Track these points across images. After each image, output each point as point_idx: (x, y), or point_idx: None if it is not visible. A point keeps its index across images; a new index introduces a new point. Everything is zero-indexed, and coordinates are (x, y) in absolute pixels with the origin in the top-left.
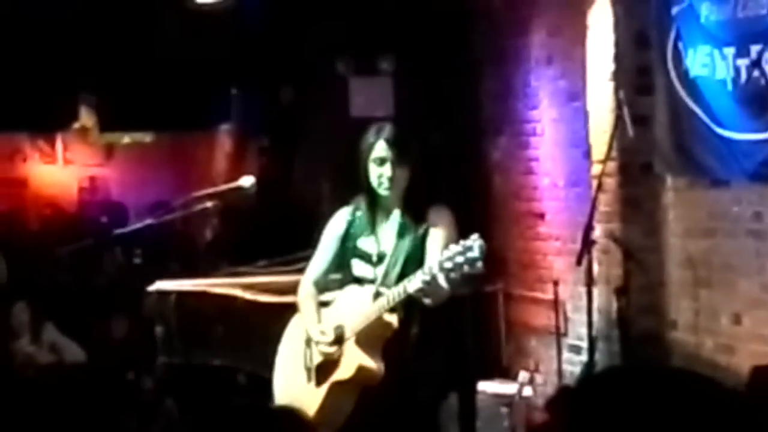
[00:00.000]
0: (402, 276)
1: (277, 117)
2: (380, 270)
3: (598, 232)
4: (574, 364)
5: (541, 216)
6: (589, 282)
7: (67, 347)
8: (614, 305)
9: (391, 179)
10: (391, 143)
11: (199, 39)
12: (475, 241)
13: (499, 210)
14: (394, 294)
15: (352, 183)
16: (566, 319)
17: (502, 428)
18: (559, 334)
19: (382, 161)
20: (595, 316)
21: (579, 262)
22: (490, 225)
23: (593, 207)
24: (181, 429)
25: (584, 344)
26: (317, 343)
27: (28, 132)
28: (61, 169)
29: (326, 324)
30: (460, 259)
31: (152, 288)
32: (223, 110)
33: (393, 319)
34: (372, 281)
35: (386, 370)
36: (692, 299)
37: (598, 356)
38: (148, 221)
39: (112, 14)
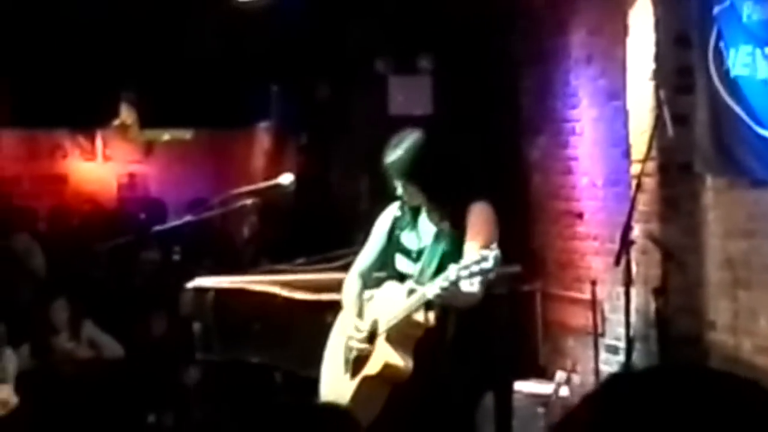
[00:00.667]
0: (439, 273)
1: (316, 115)
2: (418, 266)
3: (636, 232)
4: (611, 365)
5: (580, 216)
6: (627, 282)
7: (105, 344)
8: (652, 306)
9: (403, 195)
10: (392, 169)
11: (239, 37)
12: (491, 251)
13: (538, 210)
14: (419, 296)
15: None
16: (604, 320)
17: (538, 428)
18: (597, 335)
19: (392, 179)
20: (633, 317)
21: (617, 262)
22: (528, 225)
23: (632, 207)
24: (217, 426)
25: (622, 345)
26: (350, 337)
27: (69, 128)
28: (101, 166)
29: (365, 318)
30: (475, 268)
31: (190, 285)
32: (262, 108)
33: (422, 318)
34: (413, 277)
35: (419, 370)
36: (731, 300)
37: (635, 357)
38: (187, 218)
39: (153, 12)
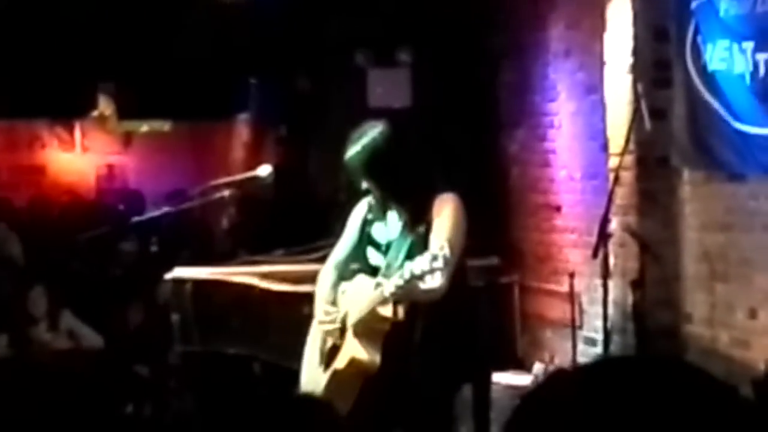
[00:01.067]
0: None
1: (295, 107)
2: (387, 260)
3: (614, 225)
4: (589, 357)
5: (558, 208)
6: (605, 275)
7: (84, 334)
8: (630, 298)
9: (365, 190)
10: (350, 166)
11: (219, 29)
12: (441, 250)
13: (516, 202)
14: (378, 292)
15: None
16: (581, 312)
17: None
18: (575, 327)
19: (352, 175)
20: (611, 309)
21: (595, 255)
22: (506, 217)
23: (610, 200)
24: (195, 417)
25: (599, 337)
26: (321, 322)
27: (47, 119)
28: (80, 157)
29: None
30: (426, 267)
31: (169, 276)
32: (241, 100)
33: (390, 312)
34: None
35: (389, 364)
36: (708, 293)
37: (613, 349)
38: (166, 209)
39: (132, 4)
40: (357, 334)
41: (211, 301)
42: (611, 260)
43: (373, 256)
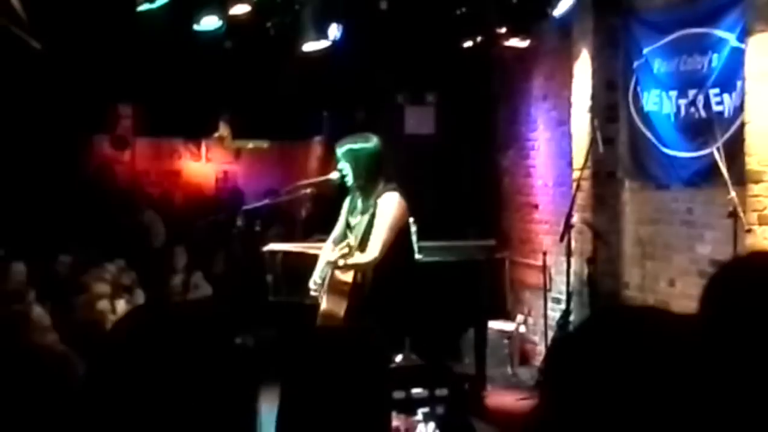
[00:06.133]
0: (361, 245)
1: (354, 132)
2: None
3: (575, 219)
4: (555, 311)
5: (536, 206)
6: (568, 253)
7: (203, 288)
8: (585, 270)
9: (343, 174)
10: (339, 152)
11: (304, 75)
12: (345, 248)
13: (507, 202)
14: (324, 262)
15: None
16: (551, 279)
17: (503, 354)
18: (546, 290)
19: (339, 160)
20: (572, 278)
21: (561, 239)
22: (500, 212)
23: (573, 201)
24: (279, 346)
25: (563, 297)
26: (311, 289)
27: (183, 138)
28: (204, 165)
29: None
30: (332, 258)
31: (266, 248)
32: (317, 126)
33: (349, 278)
34: None
35: (350, 313)
36: (640, 268)
37: (573, 306)
38: (265, 201)
39: (246, 55)
40: (329, 293)
41: (295, 266)
42: (573, 243)
43: (349, 236)
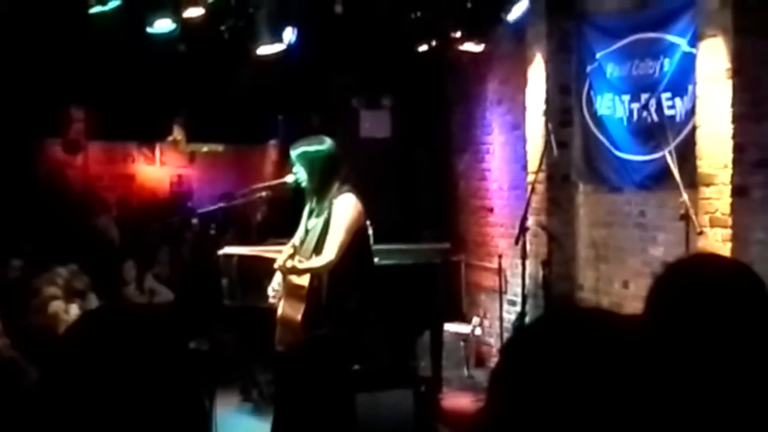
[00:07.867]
0: (316, 249)
1: (309, 135)
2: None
3: (530, 222)
4: (510, 313)
5: (491, 210)
6: (523, 256)
7: (161, 292)
8: (540, 273)
9: (298, 178)
10: (293, 154)
11: (258, 79)
12: (291, 242)
13: (462, 205)
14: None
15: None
16: (506, 282)
17: (459, 357)
18: (501, 292)
19: (294, 163)
20: (527, 280)
21: (517, 242)
22: (456, 216)
23: (527, 204)
24: (236, 349)
25: (518, 299)
26: (270, 296)
27: (137, 142)
28: (158, 169)
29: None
30: (280, 263)
31: (221, 252)
32: (272, 130)
33: (304, 281)
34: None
35: (306, 322)
36: (594, 270)
37: (528, 308)
38: (219, 205)
39: (200, 59)
40: (286, 297)
41: (250, 270)
42: (528, 246)
43: (305, 240)
